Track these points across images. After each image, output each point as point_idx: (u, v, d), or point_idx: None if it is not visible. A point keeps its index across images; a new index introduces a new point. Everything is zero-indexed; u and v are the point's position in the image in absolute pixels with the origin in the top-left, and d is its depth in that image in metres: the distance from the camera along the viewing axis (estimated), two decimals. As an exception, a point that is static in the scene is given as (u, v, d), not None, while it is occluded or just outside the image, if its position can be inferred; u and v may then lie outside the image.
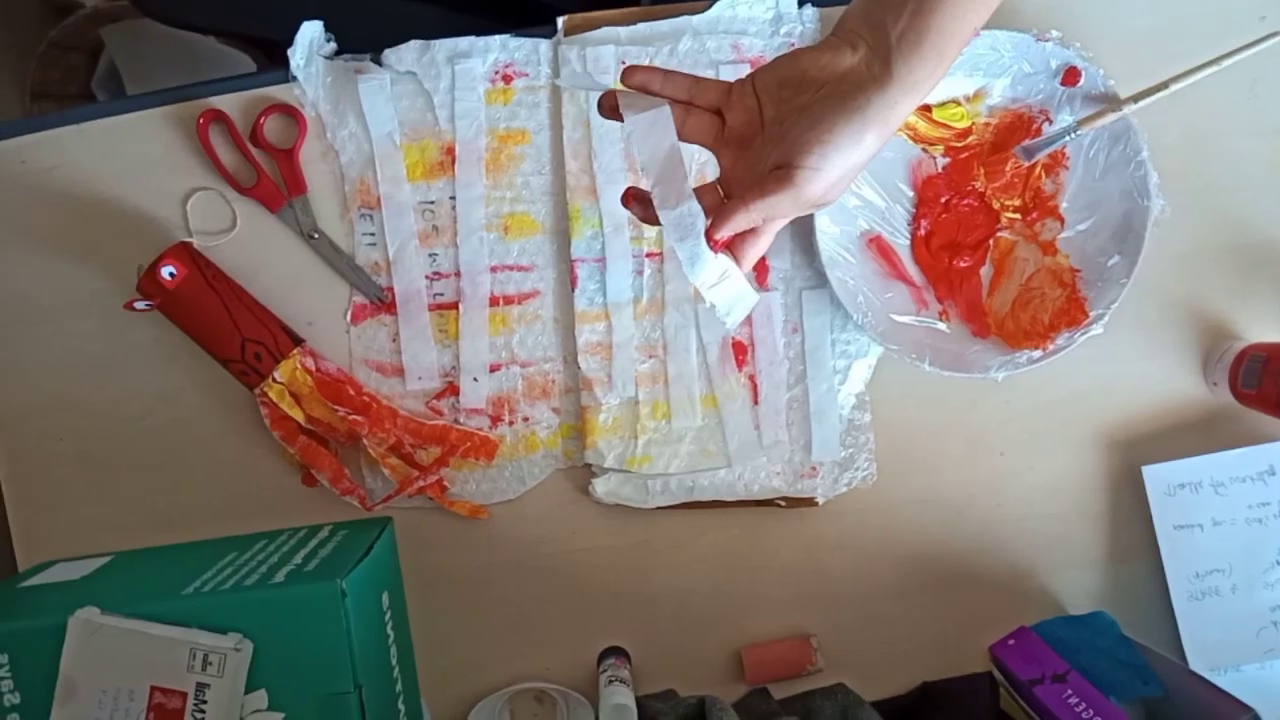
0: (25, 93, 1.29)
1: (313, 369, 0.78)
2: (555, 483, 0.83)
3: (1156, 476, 0.83)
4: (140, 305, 0.76)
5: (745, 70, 0.79)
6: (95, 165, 0.80)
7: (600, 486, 0.81)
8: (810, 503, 0.83)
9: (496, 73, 0.80)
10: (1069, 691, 0.75)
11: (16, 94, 1.28)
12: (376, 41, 0.81)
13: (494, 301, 0.81)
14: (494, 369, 0.82)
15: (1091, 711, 0.72)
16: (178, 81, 0.82)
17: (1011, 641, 0.83)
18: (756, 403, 0.82)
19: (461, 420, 0.82)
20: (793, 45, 0.80)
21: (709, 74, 0.80)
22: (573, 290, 0.81)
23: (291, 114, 0.80)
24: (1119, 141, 0.78)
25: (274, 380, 0.77)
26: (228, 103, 0.80)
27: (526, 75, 0.80)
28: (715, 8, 0.80)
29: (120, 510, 0.82)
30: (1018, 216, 0.82)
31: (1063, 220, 0.81)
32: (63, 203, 0.80)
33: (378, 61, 0.80)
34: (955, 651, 0.84)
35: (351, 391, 0.79)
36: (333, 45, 0.81)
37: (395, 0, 0.97)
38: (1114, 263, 0.79)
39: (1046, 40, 0.77)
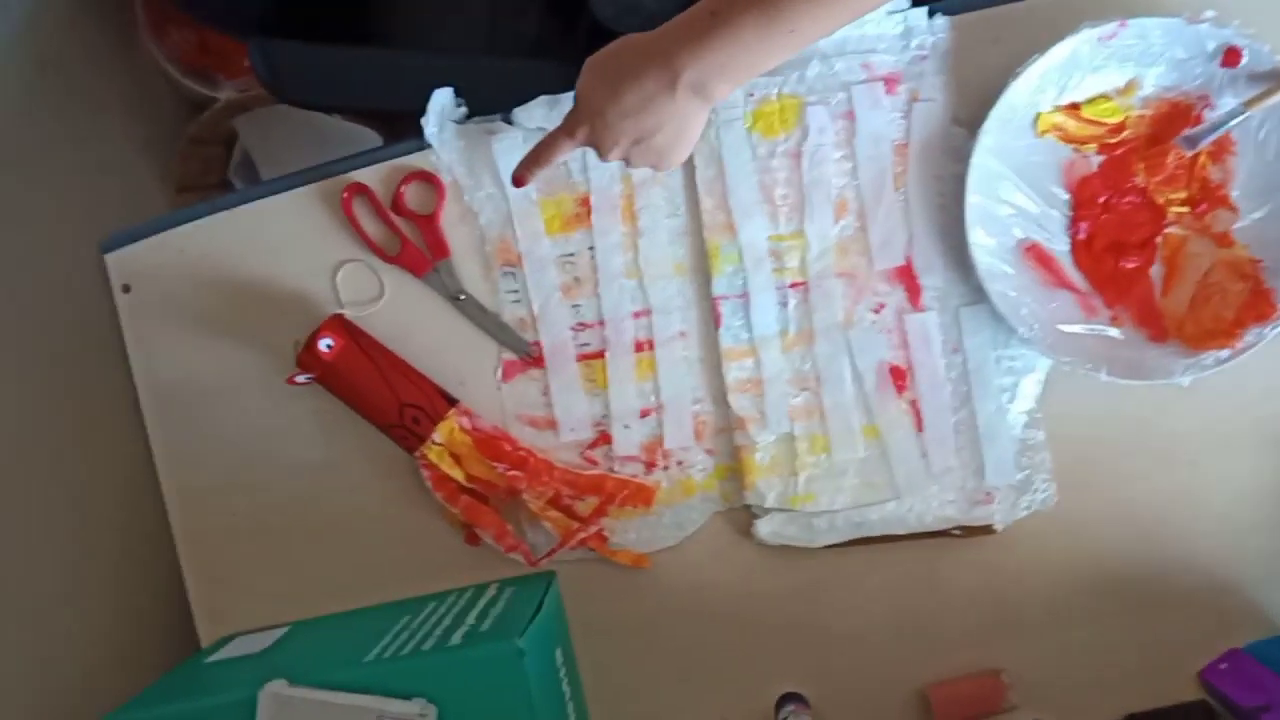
0: (170, 187, 1.36)
1: (469, 428, 0.79)
2: (715, 526, 0.82)
3: (1370, 476, 0.76)
4: (301, 379, 0.78)
5: (879, 90, 0.78)
6: (247, 248, 0.83)
7: (764, 527, 0.79)
8: (988, 530, 0.78)
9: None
10: (1301, 719, 0.69)
11: (161, 188, 1.35)
12: (502, 103, 0.83)
13: (639, 347, 0.81)
14: (644, 414, 0.81)
15: (1333, 739, 0.66)
16: (308, 163, 0.85)
17: (1224, 665, 0.77)
18: (921, 429, 0.78)
19: (616, 469, 0.81)
20: (924, 57, 0.78)
21: (840, 96, 0.78)
22: (717, 329, 0.80)
23: (429, 180, 0.81)
24: (1293, 119, 0.73)
25: (433, 442, 0.78)
26: (368, 175, 0.82)
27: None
28: (842, 29, 0.78)
29: (293, 581, 0.84)
30: (1185, 210, 0.77)
31: (1236, 209, 0.76)
32: (220, 286, 0.83)
33: (508, 121, 0.81)
34: (1160, 679, 0.79)
35: (508, 447, 0.79)
36: (463, 110, 0.82)
37: (516, 62, 0.99)
38: (1300, 249, 0.73)
39: (1200, 22, 0.73)
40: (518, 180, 0.71)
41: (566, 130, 0.67)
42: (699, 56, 0.60)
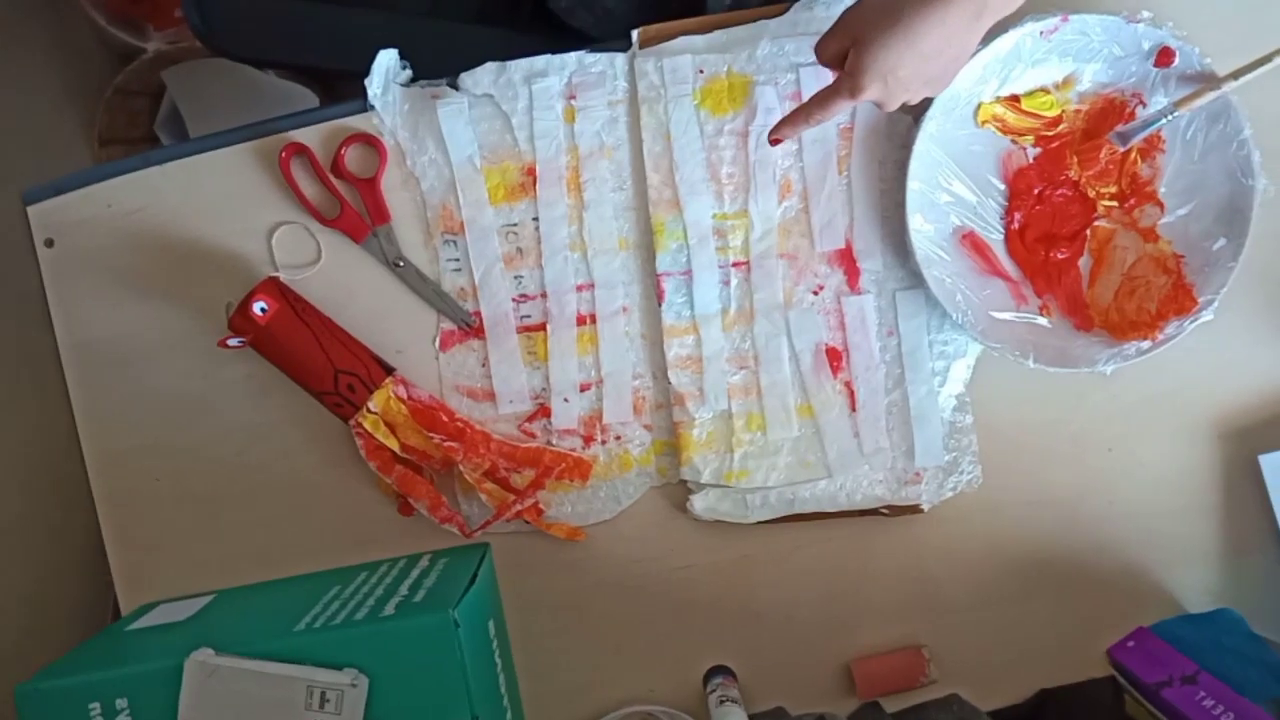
0: (93, 139, 1.31)
1: (405, 397, 0.78)
2: (651, 501, 0.82)
3: (1275, 465, 0.80)
4: (233, 342, 0.76)
5: (827, 73, 0.78)
6: (180, 204, 0.81)
7: (699, 503, 0.80)
8: (915, 510, 0.80)
9: (573, 91, 0.80)
10: (1202, 693, 0.72)
11: (85, 141, 1.30)
12: (446, 69, 0.81)
13: (580, 321, 0.80)
14: (584, 388, 0.81)
15: (1231, 714, 0.70)
16: (238, 119, 0.83)
17: (1131, 643, 0.80)
18: (854, 410, 0.80)
19: (554, 442, 0.81)
20: (873, 43, 0.78)
21: (789, 78, 0.78)
22: (659, 305, 0.80)
23: (371, 143, 0.79)
24: (1218, 121, 0.75)
25: (368, 410, 0.77)
26: (308, 135, 0.80)
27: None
28: (792, 10, 0.79)
29: (219, 547, 0.82)
30: (1115, 204, 0.79)
31: (1162, 205, 0.79)
32: (150, 243, 0.81)
33: (454, 86, 0.80)
34: (1072, 656, 0.82)
35: (445, 418, 0.79)
36: (408, 73, 0.80)
37: (461, 26, 0.97)
38: (1220, 246, 0.76)
39: (1138, 21, 0.75)
40: (775, 140, 0.70)
41: (850, 92, 0.65)
42: None
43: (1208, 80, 0.75)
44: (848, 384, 0.80)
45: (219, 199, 0.80)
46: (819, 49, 0.68)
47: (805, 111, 0.69)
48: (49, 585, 0.85)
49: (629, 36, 0.79)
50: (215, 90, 1.37)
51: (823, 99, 0.68)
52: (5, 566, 0.82)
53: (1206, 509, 0.82)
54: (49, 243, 0.80)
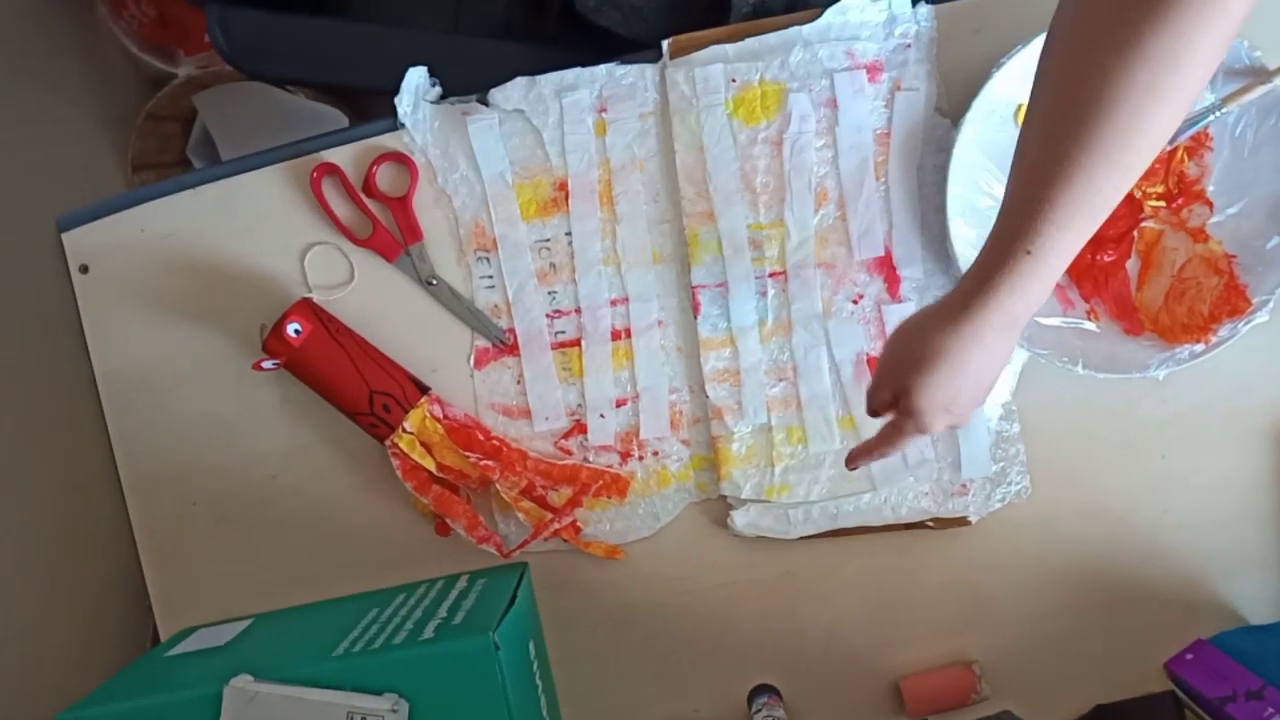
0: (126, 165, 1.32)
1: (441, 416, 0.77)
2: (690, 517, 0.81)
3: (1337, 470, 0.77)
4: (268, 365, 0.75)
5: (862, 77, 0.77)
6: (213, 227, 0.81)
7: (740, 519, 0.78)
8: (962, 522, 0.78)
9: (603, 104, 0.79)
10: (1270, 710, 0.70)
11: (118, 167, 1.31)
12: (473, 85, 0.81)
13: (615, 335, 0.79)
14: (620, 404, 0.80)
15: (1301, 730, 0.67)
16: (269, 141, 0.83)
17: (1189, 656, 0.78)
18: (897, 420, 0.78)
19: (591, 459, 0.80)
20: (908, 45, 0.77)
21: (822, 84, 0.77)
22: (695, 317, 0.79)
23: (403, 161, 0.79)
24: (1269, 115, 0.73)
25: (404, 430, 0.76)
26: (339, 155, 0.80)
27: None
28: (825, 16, 0.77)
29: (256, 571, 0.82)
30: (1162, 204, 0.77)
31: (1211, 205, 0.76)
32: (183, 267, 0.81)
33: (484, 102, 0.79)
34: (1129, 670, 0.79)
35: (481, 437, 0.78)
36: (438, 90, 0.80)
37: (486, 41, 0.97)
38: (1274, 245, 0.74)
39: (1182, 16, 0.73)
40: (852, 466, 0.69)
41: (918, 430, 0.63)
42: (1023, 295, 0.56)
43: (1257, 74, 0.73)
44: (890, 394, 0.78)
45: (251, 221, 0.80)
46: (871, 402, 0.66)
47: (877, 447, 0.67)
48: (87, 611, 0.85)
49: (658, 45, 0.79)
50: (246, 113, 1.38)
51: (891, 439, 0.65)
52: (44, 593, 0.82)
53: (1265, 516, 0.80)
54: (84, 268, 0.81)
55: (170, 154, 1.41)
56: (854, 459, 0.69)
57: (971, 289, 0.57)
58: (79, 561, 0.86)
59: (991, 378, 0.62)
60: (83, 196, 0.82)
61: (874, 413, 0.66)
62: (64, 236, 0.81)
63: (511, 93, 0.79)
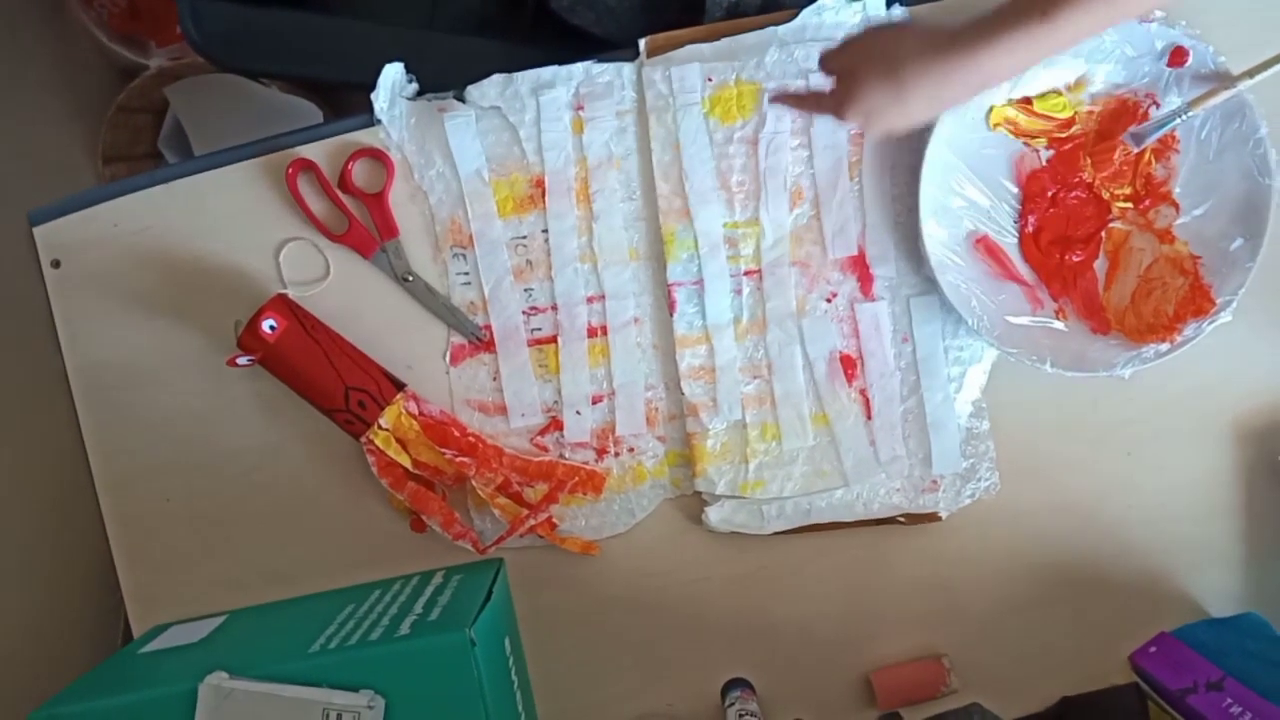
0: (97, 157, 1.31)
1: (417, 413, 0.77)
2: (665, 513, 0.81)
3: (1297, 467, 0.79)
4: (242, 361, 0.75)
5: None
6: (187, 222, 0.80)
7: (714, 515, 0.79)
8: (933, 518, 0.80)
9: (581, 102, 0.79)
10: (1228, 700, 0.71)
11: (88, 159, 1.29)
12: (448, 81, 0.81)
13: (592, 332, 0.80)
14: (596, 400, 0.80)
15: (1260, 721, 0.69)
16: (242, 135, 0.82)
17: (1153, 649, 0.79)
18: (870, 418, 0.79)
19: (566, 455, 0.80)
20: (882, 48, 0.78)
21: (799, 84, 0.78)
22: (671, 315, 0.79)
23: (379, 157, 0.79)
24: (1233, 120, 0.75)
25: (380, 427, 0.76)
26: (314, 151, 0.79)
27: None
28: (801, 16, 0.78)
29: (230, 567, 0.81)
30: (1129, 205, 0.79)
31: (1177, 206, 0.78)
32: (157, 262, 0.80)
33: (460, 99, 0.79)
34: (1094, 663, 0.81)
35: (457, 433, 0.78)
36: (415, 86, 0.80)
37: (461, 38, 0.97)
38: (1237, 246, 0.75)
39: (1150, 21, 0.74)
40: (772, 99, 0.75)
41: (834, 111, 0.67)
42: (1007, 59, 0.61)
43: (1222, 79, 0.74)
44: (863, 392, 0.79)
45: (226, 216, 0.80)
46: (823, 59, 0.70)
47: (797, 104, 0.74)
48: (59, 609, 0.84)
49: (634, 42, 0.79)
50: (218, 106, 1.37)
51: (808, 102, 0.72)
52: (15, 590, 0.81)
53: (1227, 511, 0.81)
54: (55, 263, 0.80)
55: (142, 146, 1.40)
56: (776, 98, 0.74)
57: (964, 35, 0.61)
58: (51, 558, 0.85)
59: (922, 118, 0.66)
60: (52, 189, 0.81)
61: (824, 70, 0.69)
62: (35, 230, 0.80)
63: (488, 90, 0.79)
